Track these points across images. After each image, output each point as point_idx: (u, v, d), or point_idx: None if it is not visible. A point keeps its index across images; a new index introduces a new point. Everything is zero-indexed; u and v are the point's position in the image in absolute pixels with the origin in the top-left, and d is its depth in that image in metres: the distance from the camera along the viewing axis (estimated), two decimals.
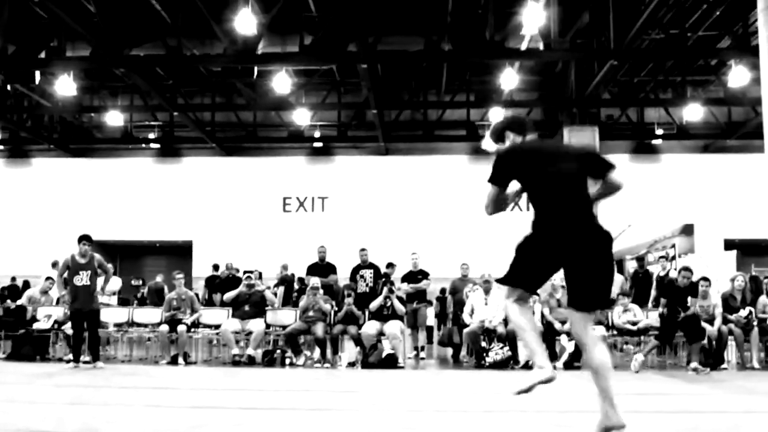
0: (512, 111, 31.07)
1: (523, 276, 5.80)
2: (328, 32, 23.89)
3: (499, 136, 6.36)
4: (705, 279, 15.83)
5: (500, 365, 15.12)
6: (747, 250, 26.33)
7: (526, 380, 5.65)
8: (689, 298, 14.92)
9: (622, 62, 26.19)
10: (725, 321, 15.42)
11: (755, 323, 15.45)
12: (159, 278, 23.67)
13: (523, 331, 5.82)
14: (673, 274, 18.75)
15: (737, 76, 25.70)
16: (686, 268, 15.27)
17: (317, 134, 32.81)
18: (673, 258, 23.88)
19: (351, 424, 7.01)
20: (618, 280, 18.83)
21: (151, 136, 33.48)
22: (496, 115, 30.66)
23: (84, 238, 14.61)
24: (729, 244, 29.17)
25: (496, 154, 6.09)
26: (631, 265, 21.85)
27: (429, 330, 21.95)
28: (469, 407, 8.54)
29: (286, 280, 20.68)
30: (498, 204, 6.00)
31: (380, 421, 7.34)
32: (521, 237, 5.88)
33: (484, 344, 15.60)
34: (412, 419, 7.57)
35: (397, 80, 30.41)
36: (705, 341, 15.04)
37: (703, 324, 15.15)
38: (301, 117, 31.12)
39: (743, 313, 15.46)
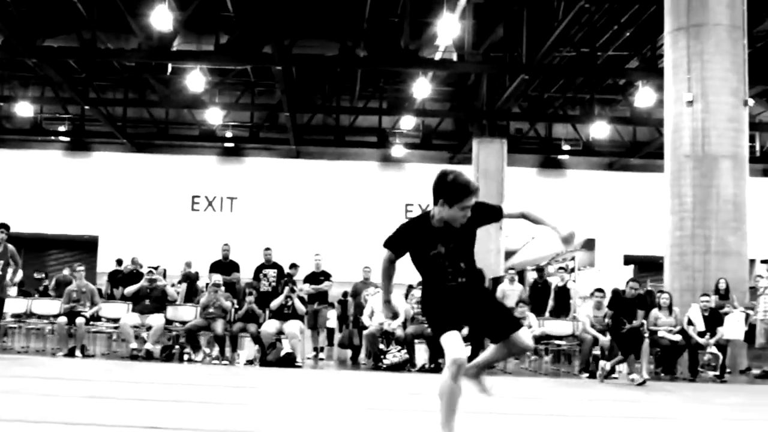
0: (424, 120, 31.53)
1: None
2: (244, 33, 24.01)
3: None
4: (599, 290, 16.30)
5: (397, 367, 15.31)
6: (644, 266, 26.99)
7: None
8: (638, 311, 14.90)
9: (533, 77, 26.73)
10: None
11: (646, 335, 15.88)
12: (66, 271, 23.42)
13: (453, 398, 5.63)
14: (571, 285, 19.22)
15: (643, 96, 26.43)
16: (634, 280, 15.31)
17: (229, 134, 32.88)
18: (572, 270, 24.39)
19: (238, 418, 7.17)
20: (518, 289, 19.20)
21: (62, 129, 33.22)
22: (408, 122, 31.03)
23: (1, 226, 14.41)
24: (628, 260, 29.87)
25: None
26: (531, 276, 22.25)
27: (330, 332, 22.08)
28: (362, 405, 8.72)
29: (189, 277, 20.66)
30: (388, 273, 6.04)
31: (267, 416, 7.50)
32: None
33: (382, 346, 15.80)
34: (300, 415, 7.74)
35: (311, 84, 30.60)
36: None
37: (596, 334, 15.60)
38: (214, 116, 31.14)
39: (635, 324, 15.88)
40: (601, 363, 14.74)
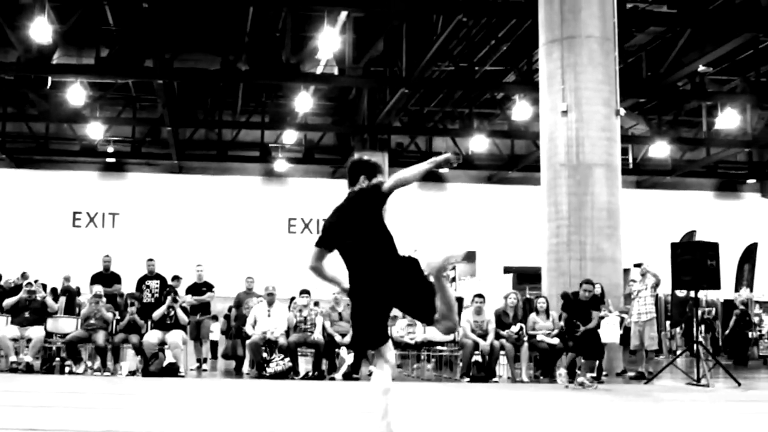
0: (306, 135, 31.67)
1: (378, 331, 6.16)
2: (125, 46, 23.84)
3: (351, 179, 6.43)
4: (479, 296, 16.63)
5: (281, 376, 15.41)
6: (523, 277, 27.56)
7: None
8: (592, 312, 15.05)
9: (413, 91, 27.07)
10: (497, 336, 16.18)
11: (525, 339, 16.26)
12: None
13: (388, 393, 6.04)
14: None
15: (520, 110, 26.98)
16: (588, 281, 15.29)
17: (111, 149, 32.44)
18: (453, 279, 24.77)
19: (119, 421, 7.20)
20: None
21: None
22: (290, 137, 31.11)
23: None
24: (508, 271, 30.44)
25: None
26: None
27: (214, 345, 22.05)
28: (247, 411, 8.80)
29: (68, 291, 20.43)
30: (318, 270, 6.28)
31: (149, 419, 7.54)
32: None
33: (265, 355, 15.87)
34: (183, 419, 7.81)
35: (192, 98, 30.51)
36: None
37: (476, 338, 15.93)
38: (95, 131, 30.72)
39: (514, 329, 16.22)
40: (559, 370, 14.94)
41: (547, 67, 18.47)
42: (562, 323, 15.77)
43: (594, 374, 15.05)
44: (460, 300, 19.08)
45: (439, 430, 7.75)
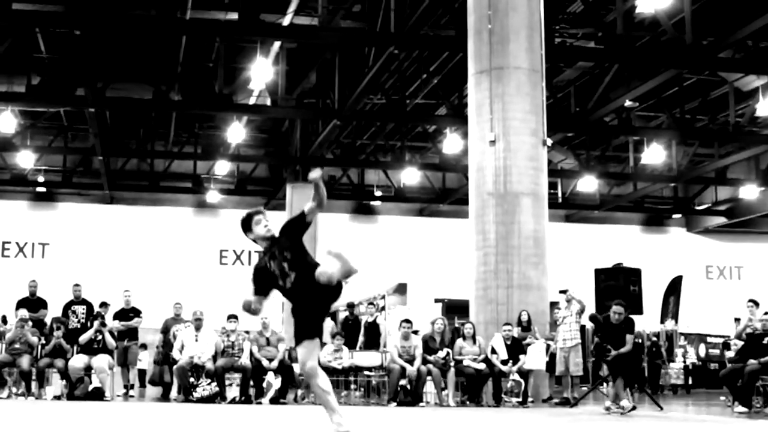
0: (239, 166, 31.73)
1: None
2: (56, 74, 23.74)
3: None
4: (407, 321, 16.79)
5: (208, 400, 15.40)
6: (452, 308, 27.73)
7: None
8: (626, 336, 14.13)
9: (346, 123, 27.22)
10: (425, 361, 16.31)
11: (452, 364, 16.41)
12: None
13: (327, 394, 7.21)
14: (380, 321, 19.73)
15: (451, 143, 27.25)
16: (618, 303, 14.48)
17: (41, 179, 32.20)
18: (383, 308, 24.87)
19: None
20: (329, 325, 19.59)
21: None
22: (222, 168, 31.13)
23: None
24: (437, 301, 30.60)
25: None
26: (342, 315, 22.64)
27: (143, 373, 21.93)
28: None
29: None
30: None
31: None
32: None
33: (192, 380, 15.83)
34: None
35: (125, 128, 30.44)
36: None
37: (404, 363, 16.06)
38: (26, 160, 30.50)
39: (441, 354, 16.37)
40: (606, 402, 14.16)
41: (475, 97, 18.65)
42: (592, 347, 15.48)
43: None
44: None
45: None
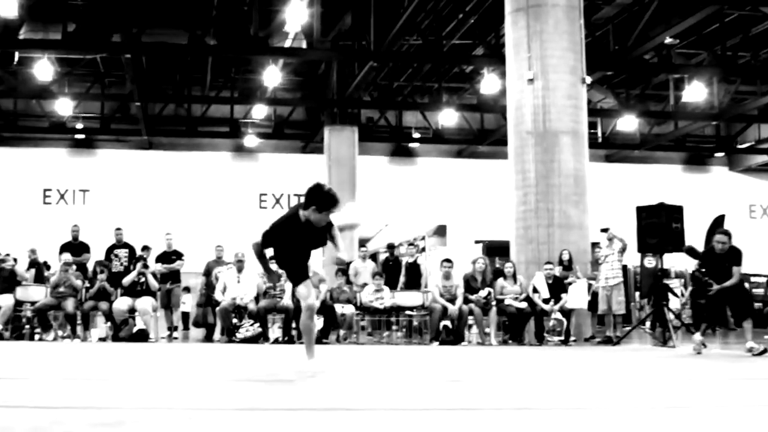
0: (275, 110, 31.66)
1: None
2: (92, 21, 23.69)
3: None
4: (447, 260, 16.79)
5: (251, 341, 15.49)
6: (492, 250, 27.61)
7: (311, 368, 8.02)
8: (733, 268, 12.76)
9: (382, 65, 27.08)
10: (466, 301, 16.32)
11: (493, 303, 16.39)
12: None
13: (312, 333, 8.37)
14: (421, 261, 19.71)
15: (489, 83, 26.94)
16: (723, 232, 13.24)
17: (80, 126, 32.31)
18: (423, 250, 24.87)
19: (98, 392, 7.20)
20: (369, 266, 19.60)
21: None
22: (259, 112, 31.08)
23: None
24: (477, 243, 30.50)
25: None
26: (383, 256, 22.64)
27: (186, 316, 22.06)
28: (220, 376, 8.83)
29: (36, 263, 20.34)
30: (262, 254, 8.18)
31: (127, 389, 7.56)
32: None
33: (235, 321, 15.92)
34: (159, 387, 7.84)
35: (161, 74, 30.36)
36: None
37: (445, 303, 16.09)
38: (64, 107, 30.60)
39: (483, 293, 16.35)
40: (694, 337, 13.40)
41: (513, 36, 18.52)
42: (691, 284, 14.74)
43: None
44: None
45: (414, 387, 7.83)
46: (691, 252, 14.89)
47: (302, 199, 7.83)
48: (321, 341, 15.63)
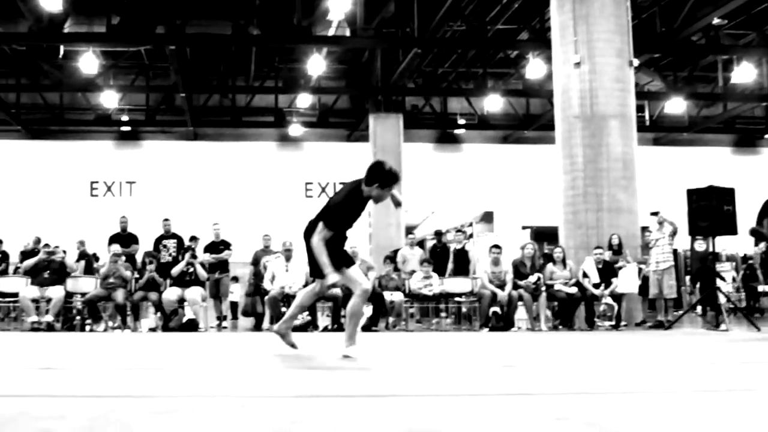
0: (320, 98, 31.65)
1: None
2: (135, 13, 23.78)
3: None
4: (496, 246, 16.69)
5: (300, 329, 15.45)
6: (540, 235, 27.48)
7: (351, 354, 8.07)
8: None
9: (426, 51, 26.99)
10: (515, 286, 16.23)
11: (543, 289, 16.29)
12: None
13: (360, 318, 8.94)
14: (469, 248, 19.63)
15: (534, 68, 26.82)
16: None
17: (125, 118, 32.52)
18: (471, 236, 24.79)
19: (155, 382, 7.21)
20: (417, 253, 19.61)
21: None
22: (304, 101, 31.08)
23: None
24: (525, 229, 30.39)
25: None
26: (430, 243, 22.62)
27: (234, 306, 22.14)
28: (271, 364, 8.82)
29: (85, 255, 20.50)
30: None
31: (182, 378, 7.56)
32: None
33: (284, 309, 15.86)
34: (214, 376, 7.84)
35: (205, 64, 30.48)
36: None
37: (494, 289, 16.02)
38: (109, 100, 30.80)
39: (532, 279, 16.26)
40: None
41: (559, 20, 18.39)
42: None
43: None
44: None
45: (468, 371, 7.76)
46: (757, 234, 14.74)
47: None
48: (370, 329, 15.63)
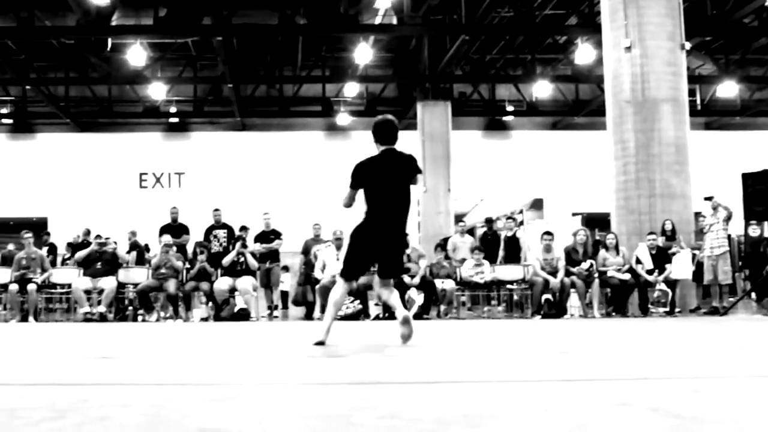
0: (367, 87, 31.57)
1: (356, 270, 8.48)
2: (182, 5, 23.85)
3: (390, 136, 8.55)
4: (548, 233, 16.58)
5: (351, 318, 15.46)
6: (591, 222, 27.31)
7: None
8: None
9: (474, 38, 26.82)
10: (568, 273, 16.12)
11: (596, 275, 16.16)
12: (11, 246, 23.27)
13: (331, 306, 8.51)
14: (520, 235, 19.52)
15: (583, 54, 26.57)
16: None
17: (173, 109, 32.68)
18: (521, 223, 24.66)
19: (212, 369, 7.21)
20: (468, 241, 19.54)
21: (4, 111, 32.83)
22: (351, 90, 31.01)
23: None
24: (575, 215, 30.21)
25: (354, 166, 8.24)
26: (480, 230, 22.54)
27: (285, 295, 22.19)
28: (323, 352, 8.78)
29: (136, 246, 20.63)
30: (351, 201, 8.19)
31: (237, 366, 7.55)
32: (355, 226, 8.18)
33: None
34: (267, 363, 7.82)
35: (252, 55, 30.51)
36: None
37: (546, 276, 15.91)
38: (157, 92, 30.95)
39: (585, 265, 16.14)
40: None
41: (608, 4, 18.22)
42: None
43: None
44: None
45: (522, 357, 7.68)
46: None
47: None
48: (422, 317, 15.58)
